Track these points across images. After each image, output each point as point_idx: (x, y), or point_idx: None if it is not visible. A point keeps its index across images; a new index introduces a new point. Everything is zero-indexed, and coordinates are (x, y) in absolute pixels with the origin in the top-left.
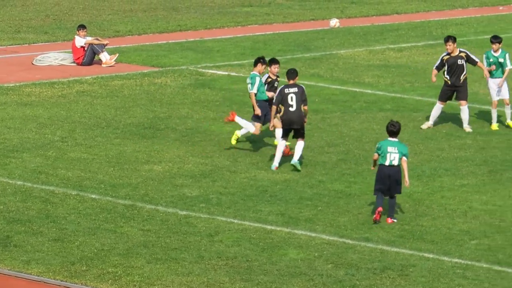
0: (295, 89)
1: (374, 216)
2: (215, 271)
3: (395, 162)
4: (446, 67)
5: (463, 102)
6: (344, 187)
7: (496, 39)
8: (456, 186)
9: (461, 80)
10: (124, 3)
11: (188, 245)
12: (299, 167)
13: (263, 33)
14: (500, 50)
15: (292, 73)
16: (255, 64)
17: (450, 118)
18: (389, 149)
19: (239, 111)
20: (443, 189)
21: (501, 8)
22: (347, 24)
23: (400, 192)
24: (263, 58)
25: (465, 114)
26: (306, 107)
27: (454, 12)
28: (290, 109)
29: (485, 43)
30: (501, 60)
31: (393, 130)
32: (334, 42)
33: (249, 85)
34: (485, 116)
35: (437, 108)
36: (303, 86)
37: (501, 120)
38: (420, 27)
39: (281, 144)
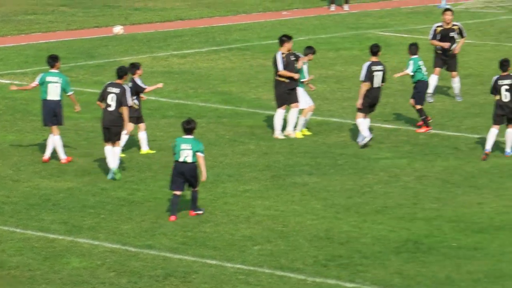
0: (117, 90)
1: (170, 217)
2: None
3: (189, 159)
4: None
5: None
6: (127, 195)
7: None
8: (239, 192)
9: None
10: None
11: None
12: (117, 176)
13: (46, 41)
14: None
15: (118, 72)
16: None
17: (233, 124)
18: (183, 146)
19: (22, 120)
20: (226, 195)
21: (284, 13)
22: (131, 31)
23: (196, 187)
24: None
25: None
26: (125, 108)
27: (237, 17)
28: (108, 108)
29: (268, 47)
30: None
31: (186, 127)
32: (118, 49)
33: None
34: (268, 122)
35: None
36: (126, 88)
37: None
38: (203, 33)
39: (107, 150)
